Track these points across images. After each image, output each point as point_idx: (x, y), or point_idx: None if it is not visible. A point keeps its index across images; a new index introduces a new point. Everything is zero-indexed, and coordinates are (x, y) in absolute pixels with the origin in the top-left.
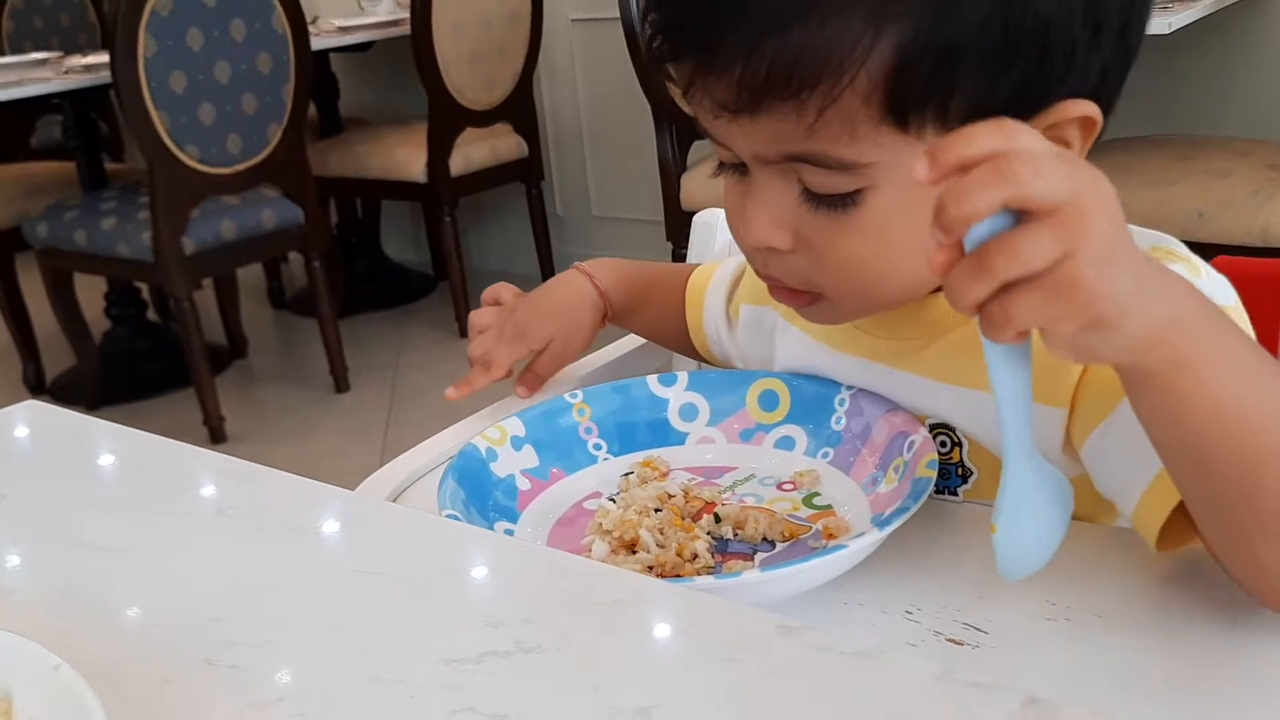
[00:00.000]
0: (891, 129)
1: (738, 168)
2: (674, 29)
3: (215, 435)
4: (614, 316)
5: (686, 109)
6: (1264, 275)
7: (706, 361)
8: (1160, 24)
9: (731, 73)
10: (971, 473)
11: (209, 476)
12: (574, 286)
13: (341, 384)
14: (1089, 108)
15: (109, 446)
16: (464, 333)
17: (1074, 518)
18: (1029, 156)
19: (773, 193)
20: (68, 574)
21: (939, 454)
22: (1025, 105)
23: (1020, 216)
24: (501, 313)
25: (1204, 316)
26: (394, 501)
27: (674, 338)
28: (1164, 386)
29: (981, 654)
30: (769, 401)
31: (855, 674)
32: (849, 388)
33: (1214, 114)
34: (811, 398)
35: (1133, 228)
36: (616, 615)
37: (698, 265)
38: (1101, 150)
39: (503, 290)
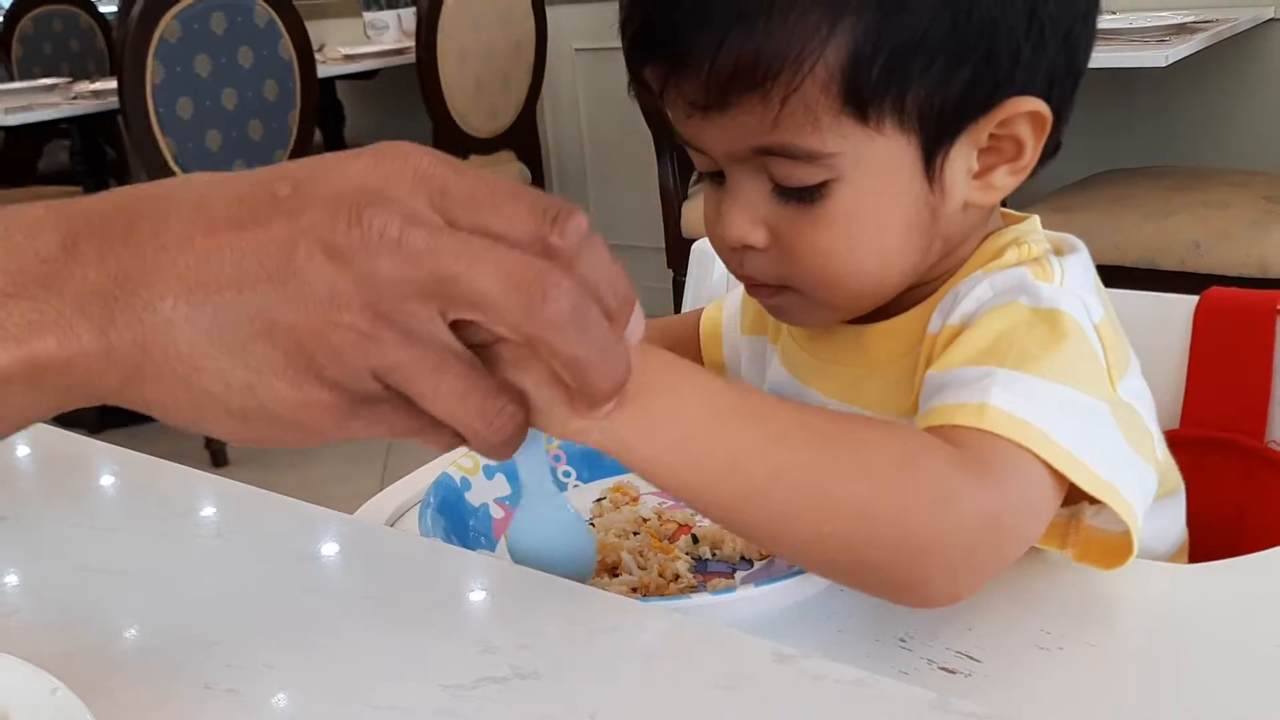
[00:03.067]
0: (852, 120)
1: (714, 177)
2: (646, 34)
3: (216, 459)
4: None
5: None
6: (1254, 305)
7: None
8: (1157, 57)
9: (700, 70)
10: None
11: (209, 499)
12: None
13: None
14: (1038, 104)
15: (110, 469)
16: None
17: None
18: None
19: (746, 191)
20: (68, 596)
21: None
22: (977, 101)
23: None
24: None
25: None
26: (391, 526)
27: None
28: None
29: (974, 683)
30: None
31: (850, 702)
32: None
33: (1211, 146)
34: None
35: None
36: (613, 641)
37: (698, 311)
38: (1099, 181)
39: None
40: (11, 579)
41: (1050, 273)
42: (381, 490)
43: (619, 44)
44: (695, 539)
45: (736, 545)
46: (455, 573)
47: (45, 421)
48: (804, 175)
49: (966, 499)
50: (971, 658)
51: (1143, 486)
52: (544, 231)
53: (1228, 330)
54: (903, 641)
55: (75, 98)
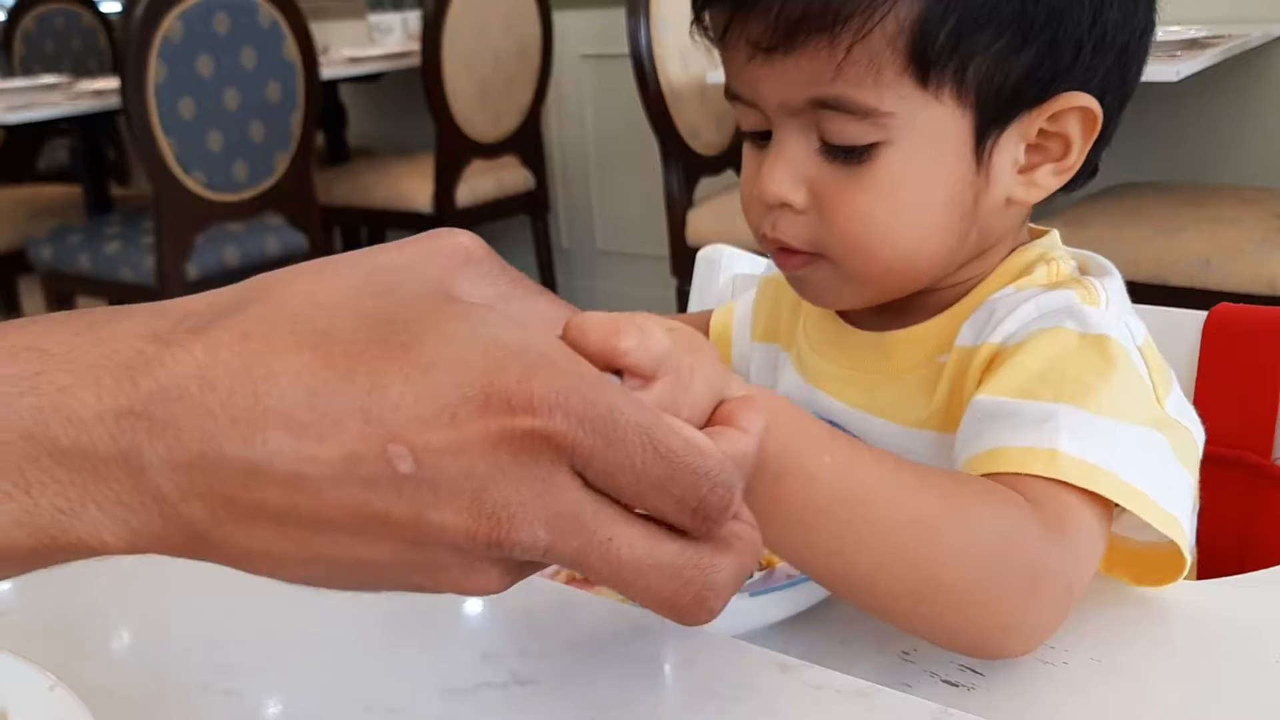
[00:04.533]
0: (913, 82)
1: (758, 137)
2: None
3: None
4: None
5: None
6: (1263, 323)
7: None
8: (1169, 71)
9: (771, 8)
10: None
11: None
12: None
13: None
14: (1091, 101)
15: None
16: None
17: None
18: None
19: (792, 148)
20: (63, 598)
21: None
22: (1034, 87)
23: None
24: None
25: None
26: None
27: None
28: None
29: (977, 696)
30: None
31: (853, 713)
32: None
33: (1222, 162)
34: None
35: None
36: (614, 649)
37: (705, 313)
38: (1110, 196)
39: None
40: (6, 580)
41: (1096, 297)
42: None
43: (625, 50)
44: None
45: None
46: None
47: None
48: (856, 133)
49: (1053, 578)
50: (975, 671)
51: (1190, 510)
52: (695, 528)
53: (1236, 347)
54: (906, 654)
55: (76, 96)
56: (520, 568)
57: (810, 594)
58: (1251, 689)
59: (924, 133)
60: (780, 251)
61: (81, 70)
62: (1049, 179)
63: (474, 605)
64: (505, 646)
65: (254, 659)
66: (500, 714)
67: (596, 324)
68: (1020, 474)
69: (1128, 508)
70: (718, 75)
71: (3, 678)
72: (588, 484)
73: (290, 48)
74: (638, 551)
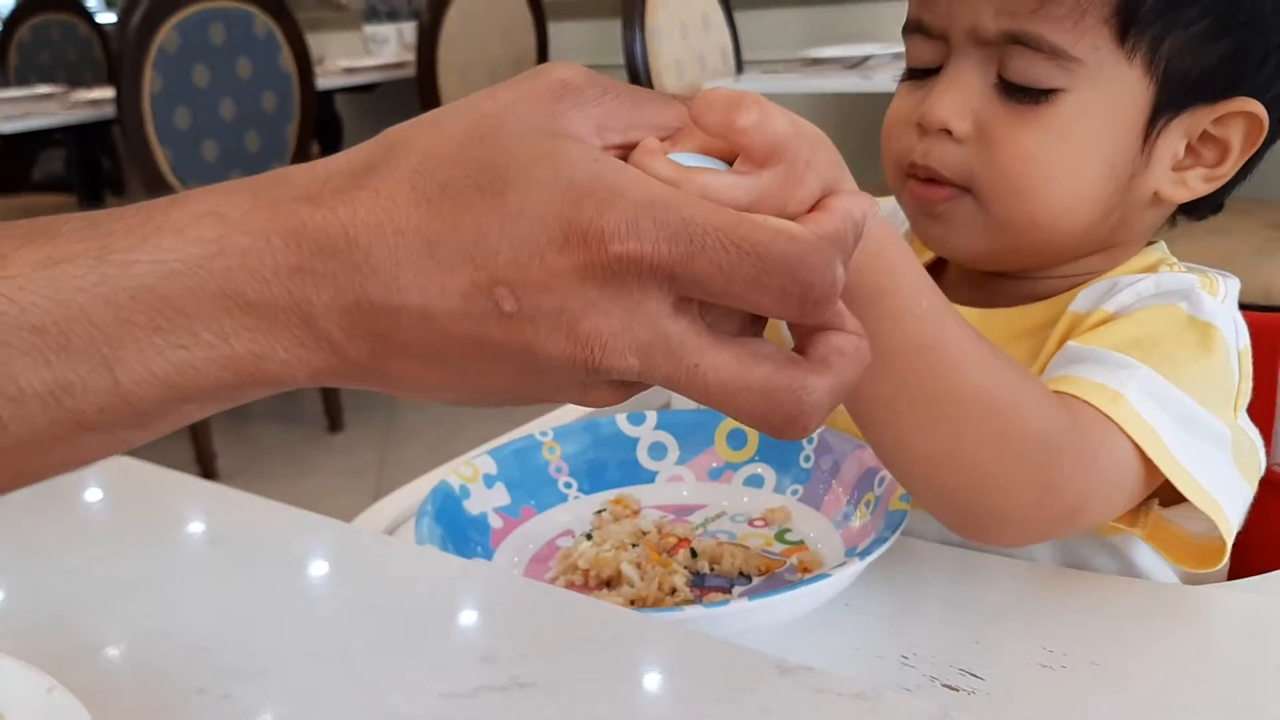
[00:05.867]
0: (1111, 35)
1: (922, 75)
2: None
3: (207, 472)
4: None
5: None
6: (1258, 329)
7: None
8: None
9: None
10: None
11: (202, 506)
12: None
13: (335, 423)
14: (1261, 110)
15: (102, 474)
16: None
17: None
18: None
19: (968, 79)
20: (60, 602)
21: None
22: (1216, 83)
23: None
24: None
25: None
26: (390, 535)
27: None
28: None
29: (977, 700)
30: (737, 440)
31: (853, 716)
32: None
33: None
34: None
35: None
36: (613, 652)
37: None
38: None
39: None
40: (3, 584)
41: (1216, 287)
42: (373, 503)
43: (620, 61)
44: (694, 553)
45: (735, 561)
46: (453, 581)
47: None
48: (1041, 74)
49: (1060, 494)
50: (974, 675)
51: (1242, 503)
52: (805, 317)
53: None
54: (905, 658)
55: (72, 106)
56: (629, 386)
57: (811, 597)
58: (1250, 693)
59: (1106, 90)
60: (925, 183)
61: (77, 80)
62: (1199, 183)
63: (473, 608)
64: (505, 650)
65: (252, 663)
66: (500, 717)
67: (719, 99)
68: (1080, 398)
69: (1167, 476)
70: (713, 85)
71: (1, 679)
72: (687, 307)
73: (286, 58)
74: (725, 376)
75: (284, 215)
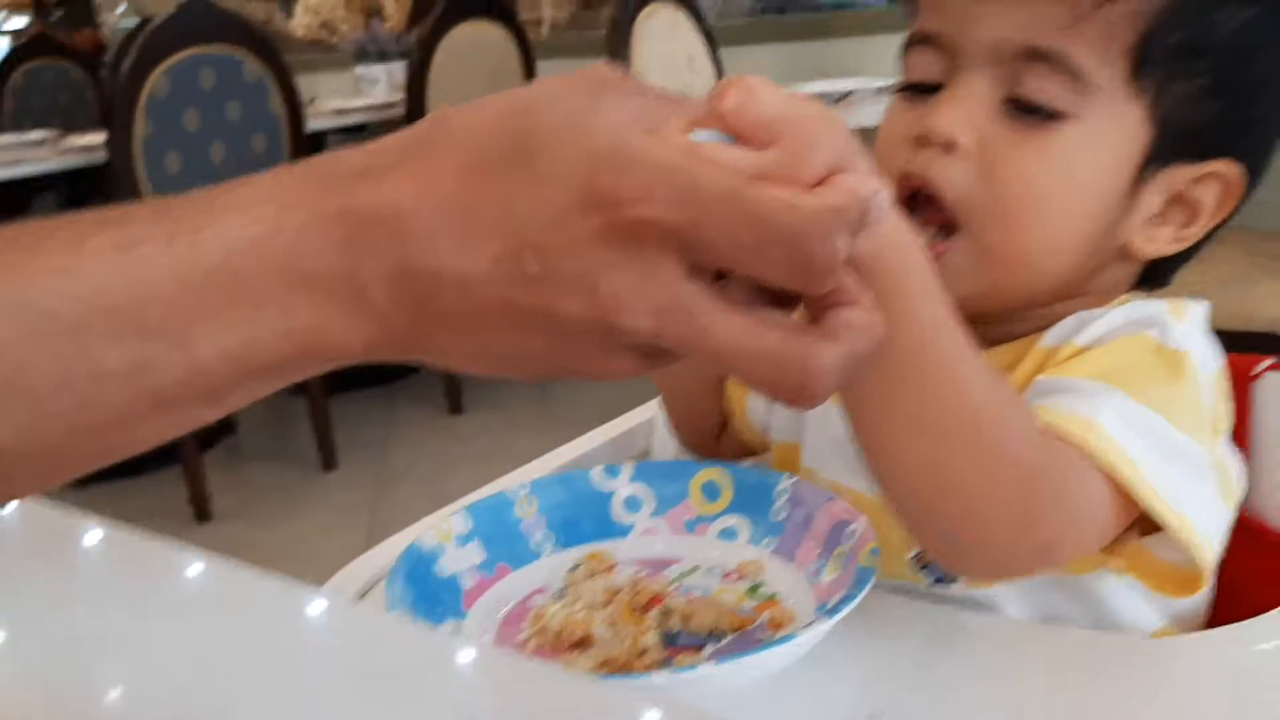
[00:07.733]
0: (1126, 69)
1: (919, 92)
2: None
3: (200, 514)
4: None
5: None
6: (1231, 372)
7: (691, 437)
8: None
9: None
10: None
11: (188, 569)
12: None
13: (329, 461)
14: (1236, 174)
15: (90, 534)
16: (454, 409)
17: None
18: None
19: (975, 94)
20: (45, 663)
21: None
22: (1204, 140)
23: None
24: None
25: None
26: (375, 587)
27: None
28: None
29: None
30: (711, 492)
31: None
32: (789, 476)
33: None
34: (753, 487)
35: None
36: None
37: None
38: None
39: None
40: None
41: (1184, 312)
42: (368, 546)
43: None
44: (667, 611)
45: (707, 619)
46: (433, 651)
47: None
48: (1056, 95)
49: (1041, 529)
50: None
51: (1219, 528)
52: (806, 287)
53: None
54: (874, 719)
55: (63, 152)
56: (649, 358)
57: (778, 659)
58: None
59: (1112, 124)
60: (922, 205)
61: (71, 125)
62: (1167, 242)
63: (438, 680)
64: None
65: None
66: None
67: (721, 86)
68: (1053, 427)
69: (1140, 502)
70: None
71: None
72: (701, 273)
73: (276, 101)
74: (736, 339)
75: (336, 191)
